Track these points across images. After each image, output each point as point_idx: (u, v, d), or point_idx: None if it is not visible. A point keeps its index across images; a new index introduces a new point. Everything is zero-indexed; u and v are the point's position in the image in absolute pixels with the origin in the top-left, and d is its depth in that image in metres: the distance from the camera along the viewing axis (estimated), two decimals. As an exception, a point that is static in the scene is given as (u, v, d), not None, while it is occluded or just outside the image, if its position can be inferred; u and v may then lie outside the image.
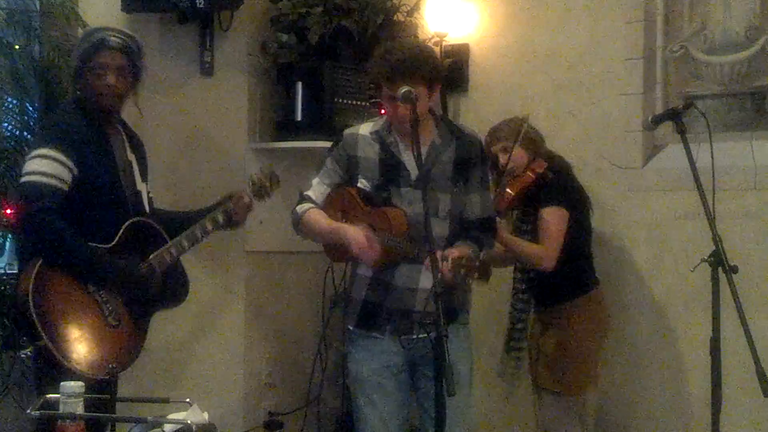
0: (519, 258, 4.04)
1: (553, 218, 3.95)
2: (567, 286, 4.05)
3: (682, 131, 3.33)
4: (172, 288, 3.64)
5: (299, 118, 4.67)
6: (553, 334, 4.05)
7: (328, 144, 4.53)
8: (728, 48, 4.38)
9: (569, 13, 4.71)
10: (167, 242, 3.59)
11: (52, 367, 3.20)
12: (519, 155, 4.01)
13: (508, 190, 3.97)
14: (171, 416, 2.41)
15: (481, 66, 4.95)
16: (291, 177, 4.67)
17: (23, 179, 3.37)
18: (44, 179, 3.32)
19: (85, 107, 3.53)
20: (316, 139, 4.57)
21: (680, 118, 3.38)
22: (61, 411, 2.20)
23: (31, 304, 3.19)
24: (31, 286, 3.20)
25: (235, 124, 4.68)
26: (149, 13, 4.49)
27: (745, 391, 3.48)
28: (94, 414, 2.34)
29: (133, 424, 2.39)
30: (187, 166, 4.61)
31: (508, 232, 4.02)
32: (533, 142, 4.05)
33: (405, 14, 4.80)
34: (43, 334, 3.18)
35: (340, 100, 4.61)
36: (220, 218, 3.71)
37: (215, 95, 4.65)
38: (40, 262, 3.26)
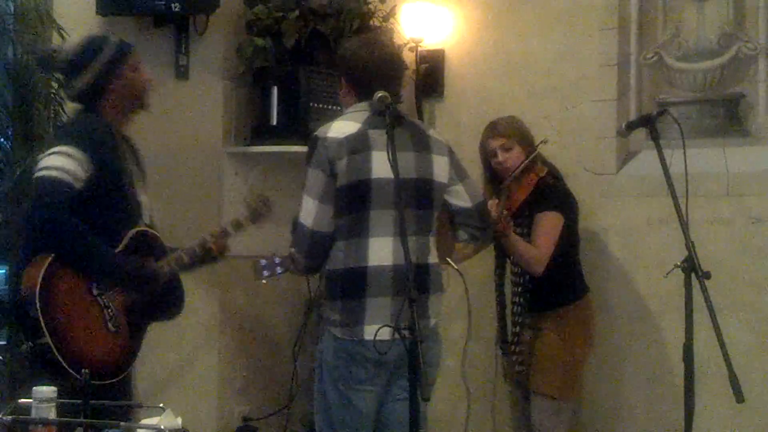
0: (514, 255, 3.99)
1: (551, 223, 3.97)
2: (561, 291, 4.06)
3: (655, 138, 3.34)
4: (172, 299, 3.61)
5: (274, 122, 4.65)
6: (546, 339, 4.03)
7: (303, 148, 4.51)
8: (702, 55, 4.41)
9: (544, 19, 4.72)
10: (167, 254, 3.54)
11: (51, 366, 3.15)
12: (519, 157, 4.00)
13: (518, 192, 3.96)
14: (144, 421, 2.40)
15: (456, 71, 4.96)
16: (266, 181, 4.68)
17: (37, 174, 3.29)
18: (58, 174, 3.24)
19: (117, 110, 3.52)
20: (291, 144, 4.55)
21: (654, 124, 3.39)
22: (33, 416, 2.18)
23: (37, 301, 3.13)
24: (38, 283, 3.14)
25: (211, 127, 4.66)
26: (124, 16, 4.47)
27: (718, 397, 3.51)
28: (66, 419, 2.32)
29: (106, 429, 2.38)
30: (162, 170, 4.57)
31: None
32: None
33: (381, 19, 4.79)
34: (46, 333, 3.14)
35: (316, 105, 4.60)
36: (198, 249, 3.64)
37: (190, 99, 4.63)
38: (50, 258, 3.19)
